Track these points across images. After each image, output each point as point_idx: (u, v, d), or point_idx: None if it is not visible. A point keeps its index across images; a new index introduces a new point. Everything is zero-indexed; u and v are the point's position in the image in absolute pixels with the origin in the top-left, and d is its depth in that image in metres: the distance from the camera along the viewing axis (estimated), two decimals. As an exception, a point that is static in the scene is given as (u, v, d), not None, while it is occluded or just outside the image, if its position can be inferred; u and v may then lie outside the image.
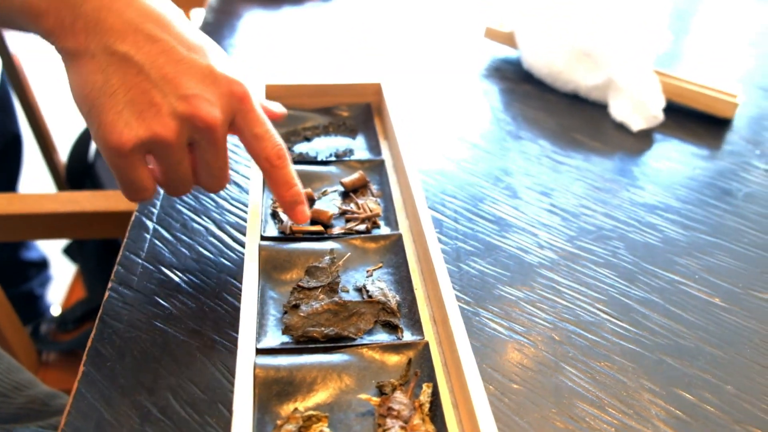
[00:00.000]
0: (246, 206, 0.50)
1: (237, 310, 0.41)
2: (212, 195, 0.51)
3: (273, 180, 0.41)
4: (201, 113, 0.37)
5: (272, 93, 0.57)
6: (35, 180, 1.30)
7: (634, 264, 0.47)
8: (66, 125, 1.10)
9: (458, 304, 0.42)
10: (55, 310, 1.20)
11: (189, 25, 0.39)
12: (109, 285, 0.42)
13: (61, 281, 1.31)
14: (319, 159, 0.53)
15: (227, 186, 0.45)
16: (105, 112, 0.35)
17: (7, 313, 0.69)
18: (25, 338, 0.74)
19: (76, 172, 0.89)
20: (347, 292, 0.41)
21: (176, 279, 0.43)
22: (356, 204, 0.48)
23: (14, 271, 1.10)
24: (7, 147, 0.99)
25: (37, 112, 0.90)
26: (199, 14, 1.35)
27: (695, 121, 0.65)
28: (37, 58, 1.15)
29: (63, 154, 1.01)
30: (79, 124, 0.94)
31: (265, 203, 0.47)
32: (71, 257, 1.05)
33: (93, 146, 0.90)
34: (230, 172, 0.44)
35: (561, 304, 0.43)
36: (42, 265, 1.16)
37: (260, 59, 0.72)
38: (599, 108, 0.67)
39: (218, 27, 0.79)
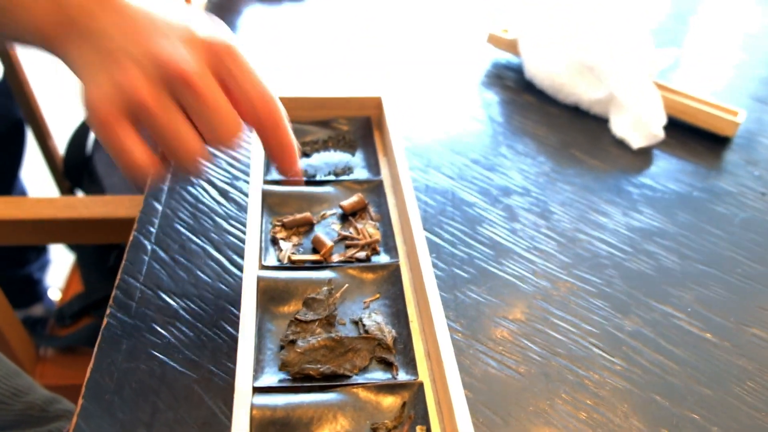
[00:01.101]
0: (244, 226, 0.50)
1: (234, 339, 0.42)
2: (210, 214, 0.51)
3: (273, 141, 0.41)
4: (171, 62, 0.36)
5: (272, 105, 0.57)
6: (33, 173, 1.30)
7: (627, 295, 0.48)
8: (63, 118, 1.09)
9: (453, 335, 0.43)
10: (54, 293, 1.21)
11: (173, 3, 0.39)
12: (108, 311, 0.43)
13: (59, 265, 1.31)
14: (318, 177, 0.53)
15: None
16: (85, 84, 0.36)
17: (4, 309, 0.70)
18: (23, 333, 0.74)
19: (74, 165, 0.89)
20: (344, 325, 0.41)
21: (174, 305, 0.44)
22: (355, 229, 0.48)
23: (13, 255, 1.10)
24: (10, 131, 0.99)
25: (35, 105, 0.90)
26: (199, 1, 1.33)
27: (695, 137, 0.65)
28: (34, 53, 1.13)
29: (61, 147, 1.00)
30: (76, 117, 0.93)
31: (265, 228, 0.47)
32: (69, 246, 1.05)
33: (91, 139, 0.90)
34: (241, 122, 0.39)
35: (554, 337, 0.44)
36: (41, 249, 1.16)
37: (261, 56, 0.72)
38: (601, 122, 0.66)
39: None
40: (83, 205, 0.62)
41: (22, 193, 1.16)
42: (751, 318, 0.47)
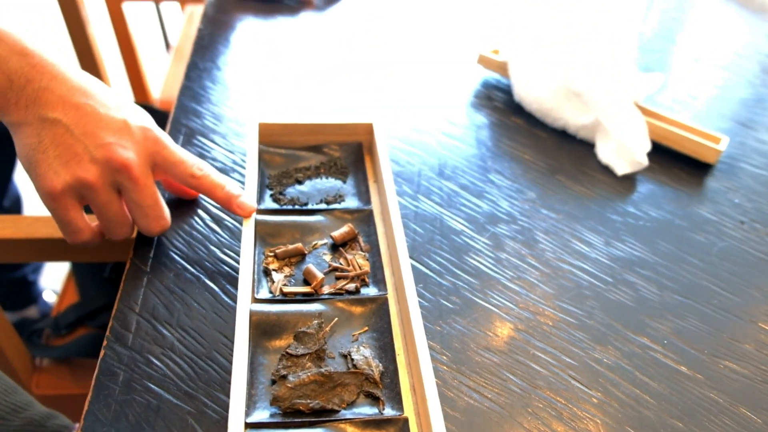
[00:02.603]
0: (238, 254, 0.52)
1: (227, 371, 0.43)
2: (204, 242, 0.52)
3: (204, 189, 0.50)
4: (115, 156, 0.45)
5: (266, 131, 0.58)
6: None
7: (607, 326, 0.49)
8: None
9: (439, 368, 0.45)
10: (49, 296, 1.22)
11: (110, 92, 0.48)
12: (105, 342, 0.44)
13: (54, 267, 1.33)
14: (310, 205, 0.54)
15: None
16: (39, 166, 0.45)
17: (1, 320, 0.71)
18: (19, 344, 0.76)
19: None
20: (333, 358, 0.43)
21: (169, 336, 0.45)
22: (345, 259, 0.50)
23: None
24: (3, 133, 0.99)
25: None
26: (195, 11, 1.33)
27: (679, 163, 0.67)
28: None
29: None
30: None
31: (258, 259, 0.48)
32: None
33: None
34: (166, 214, 0.50)
35: (534, 369, 0.46)
36: (34, 253, 1.17)
37: (254, 73, 0.73)
38: (587, 146, 0.68)
39: (212, 40, 0.79)
40: (80, 224, 0.63)
41: (17, 196, 1.17)
42: (724, 350, 0.49)
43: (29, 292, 1.19)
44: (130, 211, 0.49)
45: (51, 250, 0.64)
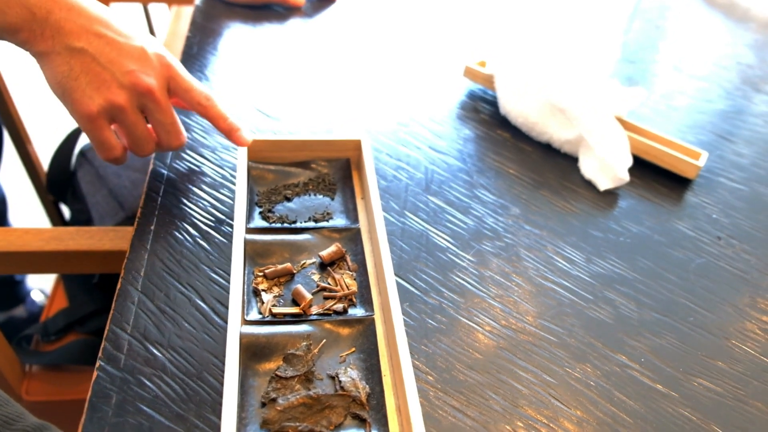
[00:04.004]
0: (227, 273, 0.53)
1: (218, 392, 0.44)
2: (195, 262, 0.53)
3: (210, 117, 0.57)
4: (140, 81, 0.52)
5: (255, 147, 0.59)
6: (12, 177, 1.30)
7: (587, 345, 0.51)
8: (46, 134, 1.09)
9: (424, 388, 0.46)
10: (37, 295, 1.22)
11: (124, 21, 0.53)
12: (97, 364, 0.45)
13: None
14: (298, 222, 0.55)
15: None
16: (75, 92, 0.50)
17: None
18: (8, 351, 0.76)
19: (58, 180, 0.90)
20: (321, 380, 0.44)
21: (161, 357, 0.46)
22: (333, 279, 0.51)
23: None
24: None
25: (12, 108, 0.90)
26: (183, 9, 1.33)
27: (659, 177, 0.69)
28: (16, 68, 1.13)
29: (39, 151, 1.01)
30: (59, 134, 0.94)
31: (247, 279, 0.49)
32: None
33: (74, 156, 0.91)
34: (184, 132, 0.58)
35: (516, 388, 0.47)
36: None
37: (243, 83, 0.73)
38: (571, 160, 0.69)
39: (201, 48, 0.79)
40: (70, 236, 0.64)
41: (2, 197, 1.17)
42: (698, 368, 0.51)
43: (16, 292, 1.19)
44: (154, 130, 0.56)
45: (42, 262, 0.64)
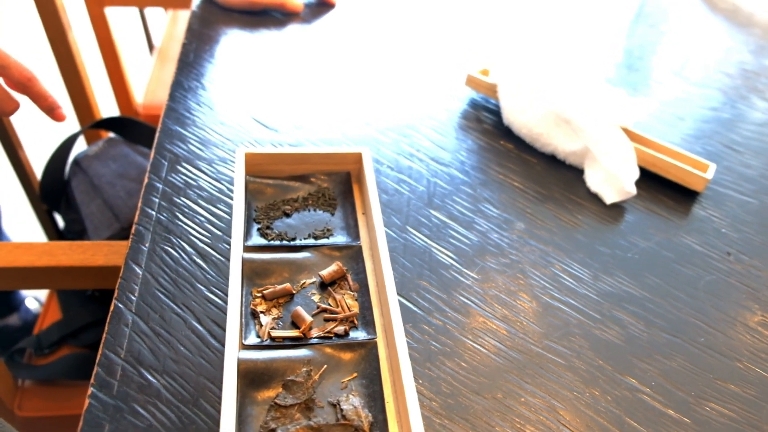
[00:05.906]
0: (225, 293, 0.51)
1: (214, 421, 0.43)
2: (191, 281, 0.51)
3: (32, 95, 0.59)
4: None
5: (254, 160, 0.58)
6: (8, 197, 1.28)
7: (596, 367, 0.50)
8: (40, 143, 1.07)
9: (428, 415, 0.45)
10: (31, 303, 1.20)
11: None
12: (89, 391, 0.43)
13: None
14: (297, 239, 0.54)
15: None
16: None
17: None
18: (1, 366, 0.75)
19: (51, 191, 0.88)
20: (322, 407, 0.43)
21: (155, 383, 0.44)
22: (334, 300, 0.49)
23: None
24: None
25: (8, 126, 0.88)
26: (179, 12, 1.31)
27: (666, 190, 0.67)
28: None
29: (32, 158, 0.99)
30: (52, 142, 0.92)
31: (245, 300, 0.48)
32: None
33: (68, 165, 0.89)
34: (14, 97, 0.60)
35: (524, 415, 0.46)
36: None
37: (240, 92, 0.72)
38: (577, 172, 0.68)
39: (198, 56, 0.78)
40: (62, 251, 0.62)
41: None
42: (710, 391, 0.49)
43: (10, 300, 1.17)
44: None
45: (34, 278, 0.63)
